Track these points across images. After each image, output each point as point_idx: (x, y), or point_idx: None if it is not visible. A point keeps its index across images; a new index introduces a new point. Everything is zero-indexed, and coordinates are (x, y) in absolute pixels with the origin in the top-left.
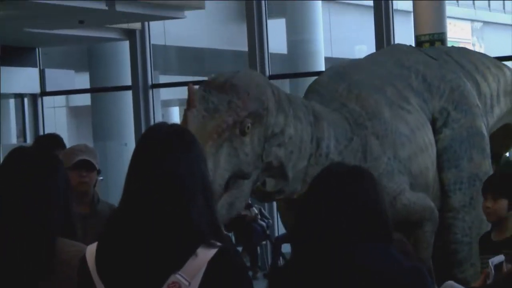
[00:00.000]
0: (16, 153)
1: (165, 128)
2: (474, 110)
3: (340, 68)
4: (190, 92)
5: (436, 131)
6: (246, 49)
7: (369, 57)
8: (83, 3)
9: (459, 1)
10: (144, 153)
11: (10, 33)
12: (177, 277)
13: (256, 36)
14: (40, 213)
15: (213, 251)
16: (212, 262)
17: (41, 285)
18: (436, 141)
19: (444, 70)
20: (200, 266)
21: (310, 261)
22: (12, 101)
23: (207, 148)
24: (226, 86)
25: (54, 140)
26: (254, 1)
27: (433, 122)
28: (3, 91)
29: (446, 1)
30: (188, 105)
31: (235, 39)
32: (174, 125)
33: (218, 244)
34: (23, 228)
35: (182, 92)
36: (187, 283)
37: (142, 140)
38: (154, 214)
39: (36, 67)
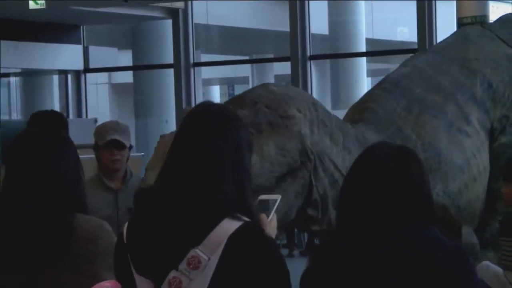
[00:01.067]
0: (26, 136)
1: (208, 106)
2: None
3: (401, 78)
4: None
5: (492, 140)
6: (287, 29)
7: (437, 54)
8: None
9: None
10: (184, 130)
11: (56, 11)
12: (197, 251)
13: (298, 16)
14: (53, 195)
15: (236, 225)
16: (233, 236)
17: (62, 263)
18: (491, 150)
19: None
20: (221, 241)
21: (353, 241)
22: (56, 77)
23: None
24: (235, 100)
25: (57, 118)
26: None
27: (492, 132)
28: (47, 67)
29: None
30: None
31: (277, 19)
32: (218, 104)
33: (244, 218)
34: (38, 210)
35: (223, 71)
36: (206, 258)
37: (186, 117)
38: (183, 190)
39: (80, 44)
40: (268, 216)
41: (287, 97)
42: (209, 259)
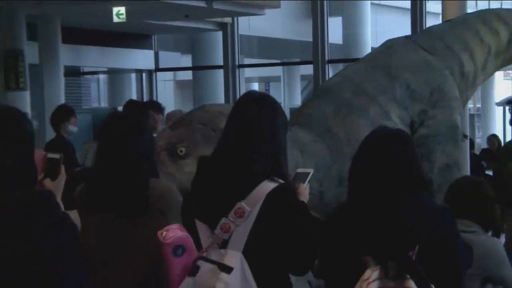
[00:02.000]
0: (114, 118)
1: (249, 95)
2: (452, 104)
3: (332, 85)
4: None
5: (413, 132)
6: (311, 39)
7: (365, 63)
8: (188, 2)
9: (490, 2)
10: (232, 114)
11: (134, 24)
12: (242, 204)
13: (319, 29)
14: (134, 164)
15: (273, 186)
16: (270, 194)
17: (144, 215)
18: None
19: (429, 71)
20: (261, 197)
21: (357, 210)
22: (133, 75)
23: None
24: (175, 123)
25: (154, 105)
26: (318, 2)
27: (412, 125)
28: (127, 67)
29: (475, 0)
30: None
31: (303, 32)
32: (259, 93)
33: (280, 181)
34: (122, 175)
35: (261, 72)
36: (249, 209)
37: (234, 105)
38: (233, 158)
39: (152, 49)
40: (303, 185)
41: (220, 114)
42: (251, 210)
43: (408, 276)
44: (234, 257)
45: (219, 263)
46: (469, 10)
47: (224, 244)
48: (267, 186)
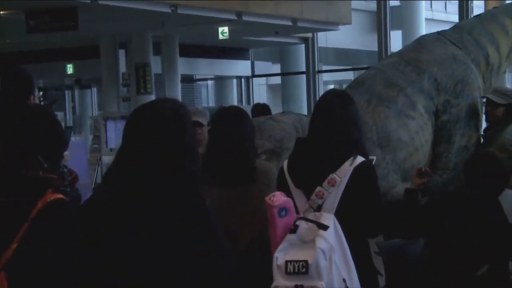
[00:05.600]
0: (222, 112)
1: (334, 92)
2: (474, 94)
3: (367, 78)
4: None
5: (437, 118)
6: (376, 49)
7: (397, 57)
8: (277, 21)
9: None
10: (323, 102)
11: (235, 40)
12: (334, 175)
13: (383, 41)
14: (244, 147)
15: (359, 161)
16: (356, 168)
17: (251, 186)
18: (436, 125)
19: (455, 64)
20: (349, 170)
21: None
22: (234, 80)
23: None
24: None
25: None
26: (382, 17)
27: (437, 113)
28: (230, 74)
29: None
30: None
31: (370, 43)
32: (340, 90)
33: (363, 159)
34: (234, 153)
35: (336, 76)
36: (339, 179)
37: (321, 98)
38: (326, 139)
39: (249, 60)
40: None
41: (285, 130)
42: (341, 180)
43: None
44: (328, 218)
45: (317, 222)
46: None
47: (318, 208)
48: (354, 161)
